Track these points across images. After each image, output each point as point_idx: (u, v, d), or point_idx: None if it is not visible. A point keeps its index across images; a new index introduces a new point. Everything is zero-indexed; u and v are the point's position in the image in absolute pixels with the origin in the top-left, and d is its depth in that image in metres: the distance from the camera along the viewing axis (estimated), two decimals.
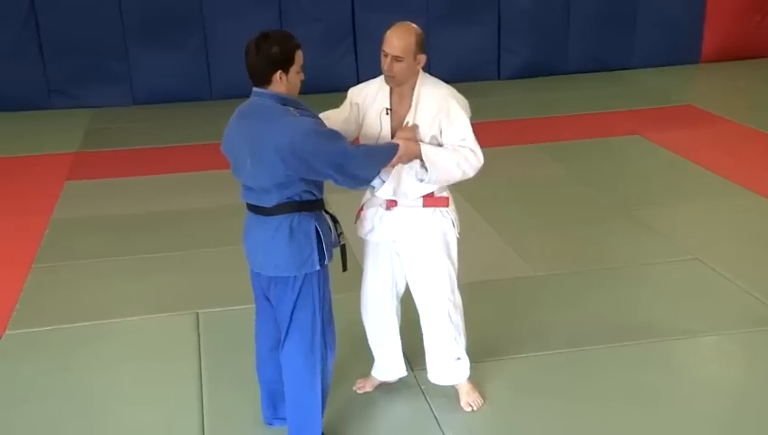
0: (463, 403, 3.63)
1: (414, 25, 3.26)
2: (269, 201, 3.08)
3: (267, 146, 2.96)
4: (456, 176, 3.29)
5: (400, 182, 3.32)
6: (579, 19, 10.36)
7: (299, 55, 3.05)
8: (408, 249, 3.43)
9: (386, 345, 3.67)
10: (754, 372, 3.95)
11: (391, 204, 3.38)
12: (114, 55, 9.52)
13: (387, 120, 3.31)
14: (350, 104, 3.43)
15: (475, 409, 3.61)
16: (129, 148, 8.01)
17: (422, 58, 3.25)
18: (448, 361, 3.58)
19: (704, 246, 5.23)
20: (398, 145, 3.16)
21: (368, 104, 3.37)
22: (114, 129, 8.75)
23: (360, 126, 3.40)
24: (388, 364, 3.72)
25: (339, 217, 3.29)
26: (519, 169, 6.99)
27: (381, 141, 3.30)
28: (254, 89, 3.09)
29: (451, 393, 3.70)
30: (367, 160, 3.11)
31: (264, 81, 3.04)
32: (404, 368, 3.72)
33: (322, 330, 3.22)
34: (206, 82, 9.81)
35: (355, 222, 3.52)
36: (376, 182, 3.24)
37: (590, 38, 10.43)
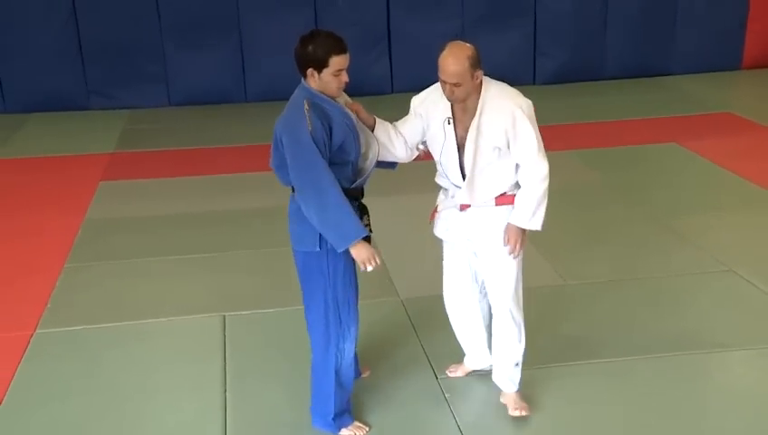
0: (511, 410, 3.62)
1: (465, 45, 3.25)
2: (284, 179, 3.28)
3: (276, 128, 3.23)
4: (545, 201, 3.41)
5: (474, 189, 3.40)
6: (617, 23, 10.24)
7: (336, 61, 3.13)
8: (482, 247, 3.50)
9: (473, 336, 3.74)
10: None
11: (465, 205, 3.46)
12: (151, 57, 9.61)
13: (450, 130, 3.36)
14: (414, 114, 3.49)
15: (523, 413, 3.58)
16: (163, 149, 8.07)
17: (479, 74, 3.26)
18: (509, 364, 3.60)
19: (739, 258, 5.12)
20: (363, 236, 3.14)
21: (430, 113, 3.42)
22: (149, 130, 8.84)
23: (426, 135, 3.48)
24: (477, 354, 3.80)
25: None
26: (553, 175, 6.86)
27: (447, 151, 3.37)
28: None
29: (475, 402, 3.67)
30: (317, 203, 3.11)
31: (302, 73, 3.20)
32: (490, 359, 3.74)
33: (337, 311, 3.30)
34: (241, 83, 9.86)
35: (430, 222, 3.62)
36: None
37: (628, 43, 10.31)
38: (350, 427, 3.48)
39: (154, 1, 9.46)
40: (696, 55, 10.47)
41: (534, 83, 10.19)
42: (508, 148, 3.32)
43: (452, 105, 3.35)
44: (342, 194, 3.12)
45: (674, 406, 3.66)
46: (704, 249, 5.31)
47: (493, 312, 3.60)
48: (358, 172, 3.33)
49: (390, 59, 9.87)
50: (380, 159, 3.43)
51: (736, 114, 8.69)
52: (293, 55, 3.19)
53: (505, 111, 3.29)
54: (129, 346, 4.33)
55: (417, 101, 3.50)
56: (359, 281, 3.57)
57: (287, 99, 3.26)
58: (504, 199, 3.43)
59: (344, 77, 3.18)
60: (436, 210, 3.59)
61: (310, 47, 3.13)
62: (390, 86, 9.88)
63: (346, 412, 3.49)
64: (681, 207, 6.11)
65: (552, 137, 8.14)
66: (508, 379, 3.63)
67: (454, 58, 3.20)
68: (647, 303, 4.64)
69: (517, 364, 3.60)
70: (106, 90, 9.65)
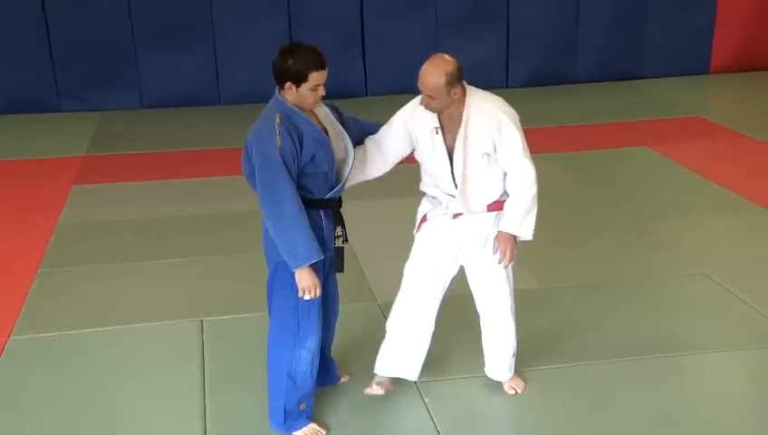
0: (506, 387, 3.78)
1: (448, 60, 3.28)
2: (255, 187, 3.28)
3: (247, 137, 3.24)
4: (532, 205, 3.43)
5: (467, 197, 3.43)
6: (588, 28, 10.35)
7: (315, 76, 3.16)
8: (473, 253, 3.53)
9: (416, 344, 3.69)
10: (759, 389, 3.92)
11: (457, 214, 3.49)
12: (123, 59, 9.55)
13: (439, 139, 3.40)
14: (401, 130, 3.49)
15: (518, 391, 3.77)
16: (137, 152, 8.02)
17: (457, 91, 3.30)
18: (508, 356, 3.73)
19: (710, 261, 5.20)
20: (313, 261, 3.17)
21: (418, 126, 3.44)
22: (122, 132, 8.77)
23: (413, 148, 3.50)
24: (410, 361, 3.71)
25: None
26: None
27: (437, 160, 3.40)
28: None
29: (455, 406, 3.70)
30: (276, 220, 3.16)
31: (279, 85, 3.22)
32: (414, 371, 3.74)
33: (296, 318, 3.34)
34: (215, 86, 9.83)
35: (416, 232, 3.62)
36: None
37: (600, 47, 10.42)
38: (304, 429, 3.50)
39: (126, 3, 9.39)
40: (666, 59, 10.62)
41: (508, 87, 10.26)
42: (495, 153, 3.37)
43: (438, 115, 3.38)
44: (302, 216, 3.14)
45: (649, 408, 3.71)
46: (676, 253, 5.39)
47: (489, 313, 3.65)
48: (334, 182, 3.35)
49: (364, 62, 9.89)
50: (351, 181, 3.46)
51: (706, 118, 8.82)
52: (272, 66, 3.20)
53: (491, 117, 3.35)
54: (105, 352, 4.30)
55: (404, 117, 3.50)
56: (338, 290, 3.60)
57: (261, 102, 3.28)
58: (496, 206, 3.47)
59: (321, 91, 3.21)
60: (424, 219, 3.59)
61: (290, 61, 3.14)
62: (365, 89, 9.89)
63: (302, 415, 3.51)
64: (653, 210, 6.18)
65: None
66: (507, 368, 3.75)
67: (433, 71, 3.25)
68: (620, 306, 4.69)
69: (513, 354, 3.73)
70: (77, 92, 9.56)
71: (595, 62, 10.46)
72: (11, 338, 4.42)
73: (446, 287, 3.67)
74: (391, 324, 3.70)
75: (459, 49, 9.80)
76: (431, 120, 3.40)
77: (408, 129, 3.48)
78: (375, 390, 3.73)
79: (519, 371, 3.91)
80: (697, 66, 10.80)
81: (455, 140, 3.37)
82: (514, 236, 3.45)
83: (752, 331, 4.39)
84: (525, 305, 4.66)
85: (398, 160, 3.57)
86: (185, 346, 4.33)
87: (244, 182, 3.37)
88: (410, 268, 3.65)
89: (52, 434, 3.63)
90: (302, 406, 3.49)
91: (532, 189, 3.41)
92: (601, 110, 9.27)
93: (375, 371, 3.76)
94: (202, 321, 4.57)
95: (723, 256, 5.34)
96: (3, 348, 4.31)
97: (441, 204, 3.52)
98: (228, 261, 5.38)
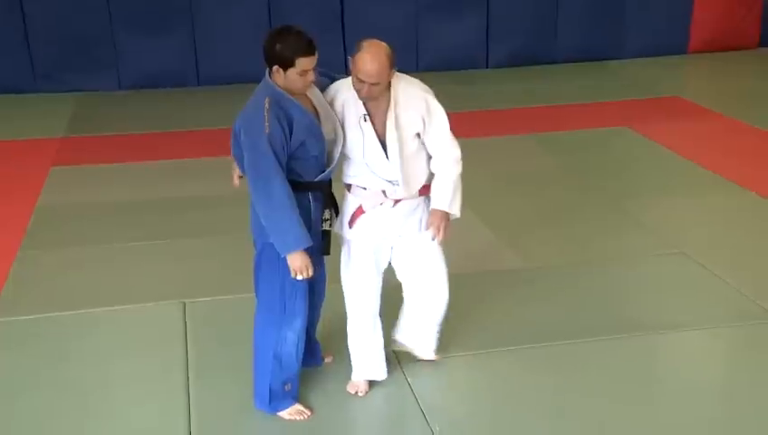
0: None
1: (383, 44, 3.28)
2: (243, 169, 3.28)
3: (236, 122, 3.24)
4: (458, 183, 3.47)
5: (408, 180, 3.41)
6: (567, 9, 10.36)
7: (302, 62, 3.14)
8: (409, 239, 3.53)
9: (374, 343, 3.68)
10: (737, 366, 3.98)
11: (398, 200, 3.46)
12: (101, 41, 9.42)
13: (368, 127, 3.33)
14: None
15: (436, 358, 3.86)
16: (115, 134, 7.95)
17: (394, 72, 3.30)
18: (435, 335, 3.80)
19: (689, 240, 5.25)
20: (303, 247, 3.17)
21: (345, 111, 3.38)
22: (100, 114, 8.69)
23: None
24: (374, 363, 3.71)
25: None
26: (507, 159, 7.00)
27: (369, 148, 3.33)
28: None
29: (438, 386, 3.73)
30: (266, 208, 3.16)
31: (268, 68, 3.21)
32: (385, 368, 3.73)
33: (283, 299, 3.35)
34: (193, 68, 9.73)
35: (350, 226, 3.51)
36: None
37: (579, 28, 10.44)
38: (289, 409, 3.51)
39: None
40: (645, 39, 10.66)
41: (488, 67, 10.27)
42: (424, 131, 3.37)
43: (364, 102, 3.32)
44: (291, 203, 3.14)
45: (626, 386, 3.75)
46: (656, 232, 5.43)
47: (429, 290, 3.65)
48: (324, 165, 3.34)
49: (344, 44, 9.84)
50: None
51: (685, 99, 8.87)
52: (262, 48, 3.18)
53: (418, 99, 3.36)
54: (87, 335, 4.28)
55: (330, 98, 3.41)
56: (325, 271, 3.60)
57: (240, 83, 3.27)
58: (426, 189, 3.49)
59: (310, 76, 3.19)
60: (360, 212, 3.48)
61: (277, 46, 3.13)
62: (345, 70, 9.80)
63: (288, 395, 3.52)
64: (633, 190, 6.22)
65: (505, 121, 8.35)
66: (436, 341, 3.83)
67: (374, 58, 3.20)
68: (600, 285, 4.73)
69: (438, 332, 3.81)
70: (53, 73, 9.43)
71: (575, 43, 10.48)
72: None
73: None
74: (352, 335, 3.66)
75: (439, 30, 9.96)
76: (355, 107, 3.33)
77: (337, 109, 3.40)
78: (361, 391, 3.71)
79: (501, 349, 3.94)
80: (675, 46, 10.85)
81: (384, 124, 3.32)
82: (447, 214, 3.46)
83: (731, 309, 4.44)
84: (508, 285, 4.71)
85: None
86: (167, 328, 4.32)
87: (224, 163, 3.36)
88: (355, 274, 3.55)
89: (34, 418, 3.61)
90: (288, 387, 3.50)
91: (458, 168, 3.44)
92: (582, 90, 9.30)
93: (352, 377, 3.73)
94: (184, 303, 4.56)
95: (703, 235, 5.39)
96: None
97: (376, 193, 3.43)
98: (210, 243, 5.36)
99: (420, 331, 3.78)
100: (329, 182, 3.41)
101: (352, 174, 3.47)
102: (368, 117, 3.33)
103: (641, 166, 6.83)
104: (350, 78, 3.32)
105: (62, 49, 9.35)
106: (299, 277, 3.24)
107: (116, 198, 6.23)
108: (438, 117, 3.39)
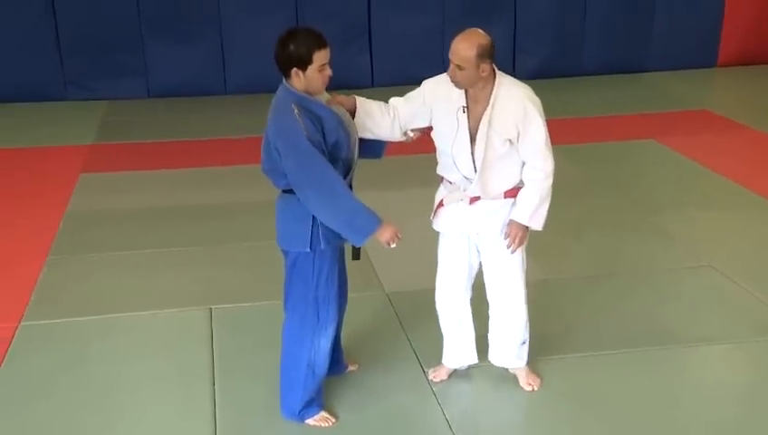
0: (523, 383, 3.80)
1: (481, 34, 3.28)
2: (279, 183, 3.29)
3: (269, 134, 3.21)
4: (548, 201, 3.46)
5: (486, 181, 3.43)
6: (595, 21, 10.34)
7: (319, 56, 3.13)
8: (490, 240, 3.53)
9: (461, 333, 3.76)
10: (766, 381, 3.94)
11: (474, 199, 3.47)
12: (130, 48, 9.56)
13: (464, 118, 3.36)
14: (422, 100, 3.48)
15: (535, 389, 3.77)
16: (144, 141, 8.03)
17: (486, 67, 3.28)
18: (515, 344, 3.73)
19: (717, 254, 5.21)
20: (380, 223, 3.17)
21: (442, 102, 3.41)
22: (129, 121, 8.80)
23: (429, 121, 3.47)
24: (462, 351, 3.81)
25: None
26: None
27: (459, 140, 3.35)
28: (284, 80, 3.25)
29: (463, 395, 3.74)
30: (329, 205, 3.14)
31: (285, 74, 3.19)
32: (475, 355, 3.82)
33: (316, 308, 3.35)
34: (221, 76, 9.84)
35: (432, 217, 3.61)
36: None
37: (607, 40, 10.41)
38: (316, 417, 3.53)
39: None
40: (673, 52, 10.60)
41: None
42: (518, 141, 3.36)
43: (466, 95, 3.35)
44: (348, 188, 3.17)
45: (655, 399, 3.73)
46: (683, 245, 5.40)
47: (501, 301, 3.66)
48: (348, 167, 3.36)
49: (371, 53, 9.89)
50: (372, 132, 3.47)
51: (713, 111, 8.81)
52: (274, 57, 3.17)
53: (517, 104, 3.33)
54: (115, 339, 4.32)
55: (429, 87, 3.48)
56: (347, 276, 3.62)
57: (268, 91, 3.27)
58: (514, 192, 3.46)
59: (328, 71, 3.19)
60: (441, 204, 3.57)
61: (291, 46, 3.12)
62: (371, 80, 9.90)
63: (314, 403, 3.54)
64: (660, 203, 6.19)
65: None
66: (515, 357, 3.76)
67: (464, 41, 3.25)
68: (626, 297, 4.71)
69: (524, 342, 3.74)
70: (83, 81, 9.58)
71: (602, 55, 10.45)
72: (21, 324, 4.45)
73: (473, 274, 3.69)
74: (439, 312, 3.77)
75: None
76: (458, 98, 3.37)
77: (429, 104, 3.45)
78: (434, 375, 3.84)
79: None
80: (704, 59, 10.78)
81: (478, 122, 3.35)
82: (526, 227, 3.46)
83: (758, 322, 4.41)
84: (531, 296, 4.68)
85: (410, 128, 3.53)
86: (194, 334, 4.35)
87: (250, 171, 3.40)
88: (439, 261, 3.67)
89: (62, 420, 3.65)
90: (315, 394, 3.51)
91: (548, 181, 3.41)
92: (608, 102, 9.27)
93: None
94: (211, 309, 4.59)
95: (730, 248, 5.35)
96: (13, 334, 4.34)
97: (458, 188, 3.49)
98: (236, 250, 5.40)
99: (493, 335, 3.77)
100: (350, 186, 3.39)
101: (442, 164, 3.53)
102: (466, 109, 3.36)
103: (668, 178, 6.80)
104: None
105: (91, 57, 9.48)
106: (392, 245, 3.21)
107: (144, 204, 6.29)
108: (534, 127, 3.34)
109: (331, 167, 3.12)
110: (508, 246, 3.47)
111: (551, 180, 3.42)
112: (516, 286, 3.63)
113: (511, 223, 3.46)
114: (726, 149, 7.52)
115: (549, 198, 3.46)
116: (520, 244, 3.48)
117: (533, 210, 3.43)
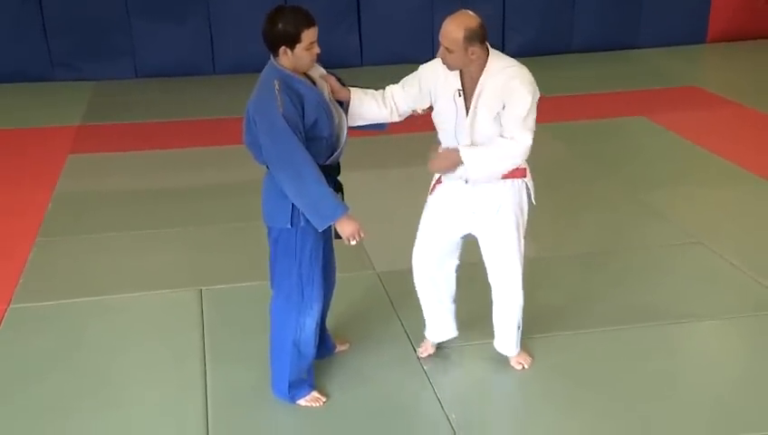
0: (513, 363, 3.80)
1: (471, 17, 3.25)
2: (258, 157, 3.28)
3: (249, 108, 3.22)
4: (502, 168, 3.38)
5: None
6: None
7: (307, 34, 3.13)
8: (486, 220, 3.52)
9: (442, 307, 3.77)
10: (754, 357, 3.96)
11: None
12: (118, 28, 9.47)
13: (461, 102, 3.35)
14: (418, 86, 3.46)
15: (526, 367, 3.78)
16: (133, 121, 7.98)
17: (475, 50, 3.23)
18: (514, 330, 3.73)
19: (707, 231, 5.22)
20: (344, 213, 3.17)
21: (439, 87, 3.40)
22: (117, 102, 8.73)
23: (431, 106, 3.46)
24: (441, 326, 3.81)
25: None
26: None
27: (459, 123, 3.34)
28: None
29: (455, 375, 3.75)
30: (296, 185, 3.13)
31: (273, 52, 3.18)
32: (455, 329, 3.83)
33: (300, 286, 3.36)
34: (209, 56, 9.77)
35: (430, 194, 3.60)
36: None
37: (596, 17, 10.38)
38: (307, 397, 3.53)
39: None
40: (663, 29, 10.58)
41: None
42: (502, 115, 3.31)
43: (462, 77, 3.33)
44: (320, 173, 3.14)
45: (643, 376, 3.74)
46: (673, 222, 5.41)
47: (499, 284, 3.65)
48: (332, 147, 3.35)
49: (360, 32, 9.83)
50: (367, 120, 3.47)
51: (703, 88, 8.80)
52: (262, 35, 3.16)
53: (506, 80, 3.27)
54: (105, 321, 4.31)
55: (425, 71, 3.46)
56: (336, 255, 3.61)
57: (256, 71, 3.25)
58: (511, 173, 3.43)
59: (316, 49, 3.18)
60: (439, 181, 3.55)
61: (279, 25, 3.11)
62: (360, 59, 9.84)
63: (305, 383, 3.54)
64: (650, 180, 6.19)
65: None
66: (514, 344, 3.76)
67: (452, 24, 3.23)
68: (618, 275, 4.72)
69: (519, 327, 3.73)
70: (70, 61, 9.49)
71: (591, 32, 10.42)
72: (10, 307, 4.42)
73: (459, 248, 3.67)
74: (416, 282, 3.75)
75: None
76: (454, 81, 3.34)
77: (428, 87, 3.43)
78: (422, 352, 3.87)
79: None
80: (694, 36, 10.77)
81: (473, 102, 3.32)
82: (459, 160, 3.34)
83: (749, 298, 4.43)
84: (524, 275, 4.69)
85: (407, 113, 3.53)
86: (184, 315, 4.34)
87: (239, 152, 3.37)
88: (421, 228, 3.65)
89: (52, 403, 3.64)
90: (305, 375, 3.52)
91: (516, 151, 3.30)
92: (598, 80, 9.26)
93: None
94: (201, 290, 4.58)
95: (720, 225, 5.36)
96: (2, 317, 4.32)
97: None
98: (226, 230, 5.38)
99: (496, 322, 3.76)
100: (337, 166, 3.40)
101: (443, 145, 3.50)
102: (461, 92, 3.34)
103: (658, 155, 6.80)
104: None
105: (78, 37, 9.39)
106: (352, 242, 3.21)
107: (133, 185, 6.26)
108: (518, 102, 3.25)
109: (303, 148, 3.10)
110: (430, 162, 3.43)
111: (519, 157, 3.33)
112: (513, 268, 3.60)
113: (452, 149, 3.38)
114: (716, 126, 7.53)
115: (503, 166, 3.36)
116: (440, 163, 3.41)
117: (481, 156, 3.33)
